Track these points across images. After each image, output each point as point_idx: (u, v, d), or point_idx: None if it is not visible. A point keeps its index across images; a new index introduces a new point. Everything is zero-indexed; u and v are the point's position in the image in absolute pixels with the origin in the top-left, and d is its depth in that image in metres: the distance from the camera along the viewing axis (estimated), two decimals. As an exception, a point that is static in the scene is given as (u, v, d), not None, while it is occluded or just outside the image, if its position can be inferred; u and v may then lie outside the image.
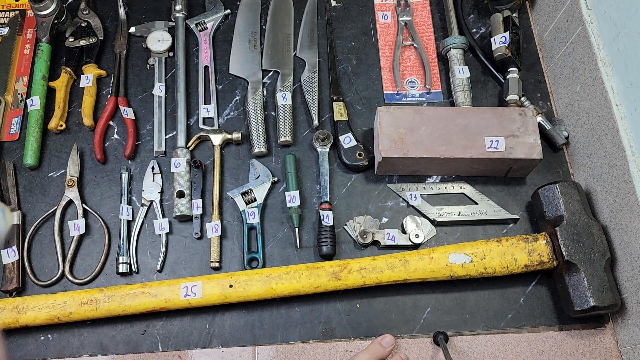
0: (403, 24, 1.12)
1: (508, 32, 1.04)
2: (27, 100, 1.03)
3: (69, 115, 1.04)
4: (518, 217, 0.95)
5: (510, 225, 0.96)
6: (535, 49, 1.12)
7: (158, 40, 1.10)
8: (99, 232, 0.95)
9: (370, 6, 1.16)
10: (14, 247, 0.91)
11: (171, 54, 1.10)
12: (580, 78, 0.96)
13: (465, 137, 0.93)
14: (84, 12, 1.11)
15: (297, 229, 0.93)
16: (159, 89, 1.05)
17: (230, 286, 0.84)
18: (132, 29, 1.11)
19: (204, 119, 1.04)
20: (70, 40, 1.09)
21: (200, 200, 0.96)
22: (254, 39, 1.11)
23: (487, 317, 0.89)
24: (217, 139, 1.00)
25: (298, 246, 0.93)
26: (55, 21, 1.08)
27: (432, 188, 0.97)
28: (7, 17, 1.14)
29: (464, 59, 1.07)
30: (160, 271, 0.92)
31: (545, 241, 0.87)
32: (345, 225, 0.94)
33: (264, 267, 0.91)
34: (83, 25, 1.10)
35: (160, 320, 0.88)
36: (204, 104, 1.05)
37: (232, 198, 0.96)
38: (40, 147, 1.00)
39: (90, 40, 1.09)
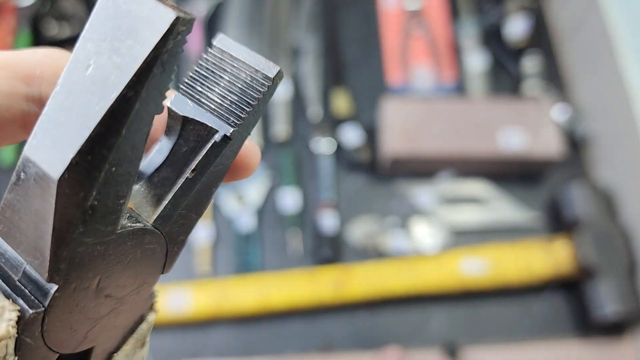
0: (410, 11, 1.07)
1: (525, 19, 0.99)
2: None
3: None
4: (534, 219, 0.91)
5: (527, 228, 0.91)
6: (553, 38, 1.07)
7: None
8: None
9: (375, -8, 1.11)
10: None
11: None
12: (602, 70, 0.92)
13: (479, 132, 0.89)
14: (67, 2, 1.07)
15: (295, 231, 0.89)
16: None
17: (225, 295, 0.81)
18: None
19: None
20: (53, 31, 1.05)
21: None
22: (252, 29, 1.06)
23: (501, 327, 0.86)
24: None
25: (297, 250, 0.89)
26: (37, 11, 1.04)
27: (442, 188, 0.93)
28: (-12, 4, 1.11)
29: (478, 48, 1.02)
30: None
31: (563, 246, 0.84)
32: (348, 227, 0.90)
33: (260, 273, 0.87)
34: (66, 15, 1.07)
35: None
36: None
37: (226, 200, 0.92)
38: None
39: (75, 31, 1.05)
